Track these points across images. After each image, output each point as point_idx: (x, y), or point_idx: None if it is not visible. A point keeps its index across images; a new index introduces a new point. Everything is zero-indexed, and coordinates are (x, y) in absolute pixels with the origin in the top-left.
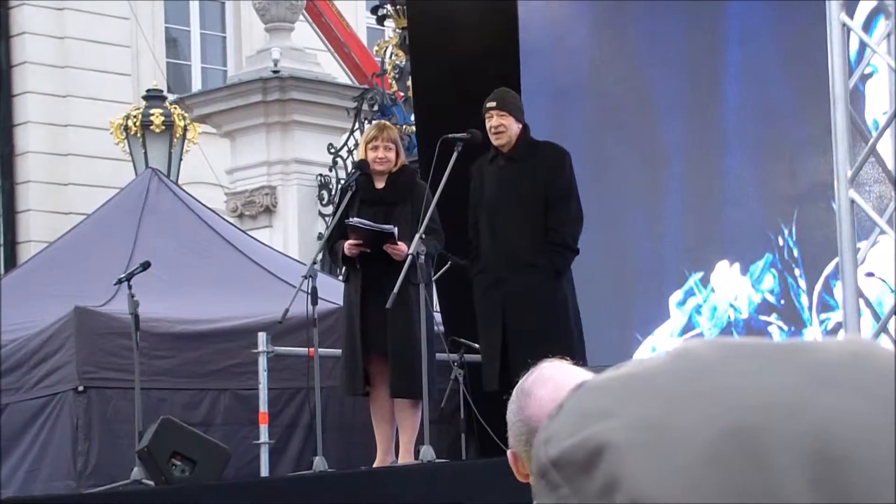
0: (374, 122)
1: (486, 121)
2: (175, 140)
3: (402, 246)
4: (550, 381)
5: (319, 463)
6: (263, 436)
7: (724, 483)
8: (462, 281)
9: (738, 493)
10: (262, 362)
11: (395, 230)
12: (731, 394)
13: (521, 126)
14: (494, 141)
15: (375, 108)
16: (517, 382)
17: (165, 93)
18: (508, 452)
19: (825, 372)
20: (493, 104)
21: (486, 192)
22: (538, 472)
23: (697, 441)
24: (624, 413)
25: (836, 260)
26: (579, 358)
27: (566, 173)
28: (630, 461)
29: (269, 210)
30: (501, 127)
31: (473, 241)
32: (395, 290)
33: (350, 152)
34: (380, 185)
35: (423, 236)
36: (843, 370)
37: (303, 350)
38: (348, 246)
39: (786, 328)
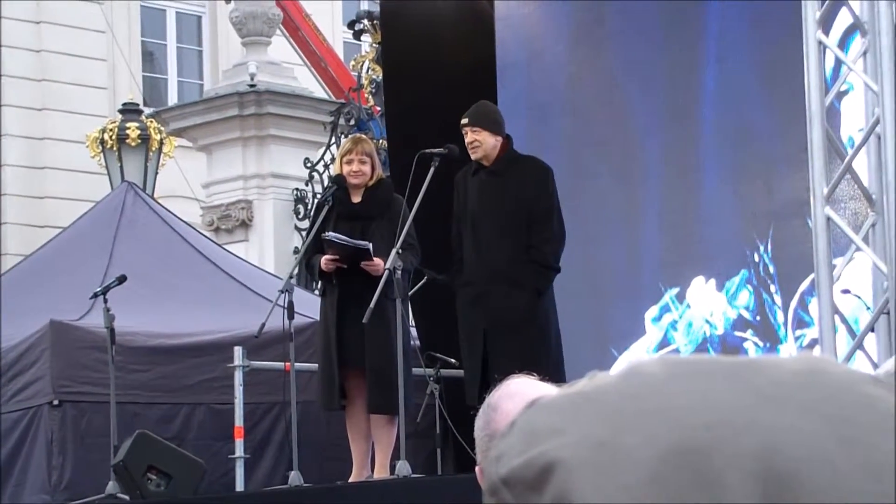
0: (349, 136)
1: (464, 137)
2: (151, 154)
3: (378, 262)
4: (517, 395)
5: (295, 477)
6: (239, 450)
7: (669, 500)
8: (438, 296)
9: None
10: (238, 376)
11: (371, 246)
12: (677, 412)
13: (499, 139)
14: (472, 156)
15: (352, 122)
16: None
17: (141, 106)
18: (476, 468)
19: (774, 390)
20: (466, 120)
21: (468, 205)
22: (489, 489)
23: (643, 459)
24: (573, 431)
25: (811, 276)
26: (558, 376)
27: (549, 190)
28: (579, 479)
29: (245, 224)
30: (476, 142)
31: (456, 253)
32: (372, 305)
33: (326, 167)
34: (356, 199)
35: (400, 251)
36: (792, 388)
37: (279, 364)
38: (325, 261)
39: (761, 344)
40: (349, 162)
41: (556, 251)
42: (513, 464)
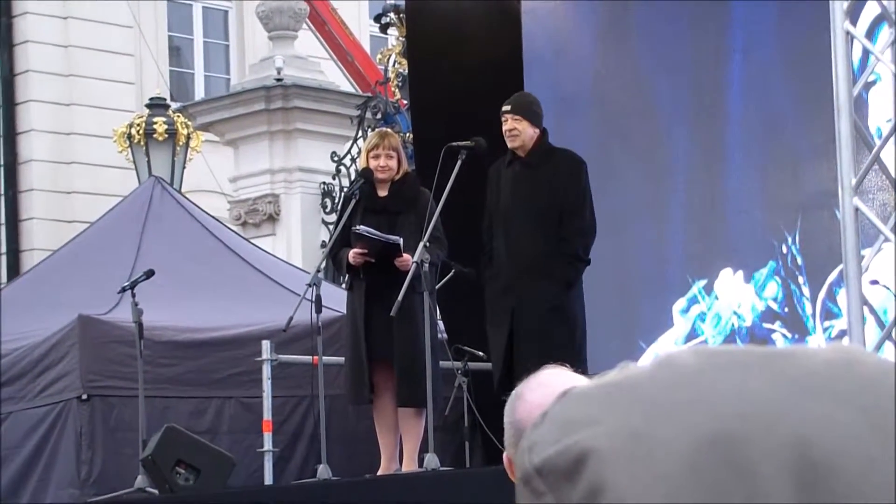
0: (376, 129)
1: (503, 124)
2: (178, 148)
3: (407, 257)
4: (542, 386)
5: (323, 471)
6: (267, 444)
7: (705, 490)
8: (465, 289)
9: (719, 500)
10: (266, 370)
11: (401, 241)
12: (712, 402)
13: (537, 131)
14: (509, 144)
15: (379, 116)
16: None
17: (168, 101)
18: (504, 456)
19: (808, 380)
20: (508, 108)
21: (501, 197)
22: (522, 478)
23: (678, 449)
24: (607, 421)
25: (839, 267)
26: (581, 367)
27: (582, 182)
28: (613, 468)
29: (272, 218)
30: (515, 130)
31: (487, 245)
32: (400, 298)
33: (353, 160)
34: (383, 193)
35: (427, 244)
36: (826, 378)
37: (307, 358)
38: (353, 255)
39: (789, 336)
40: (376, 157)
41: (586, 243)
42: (546, 453)
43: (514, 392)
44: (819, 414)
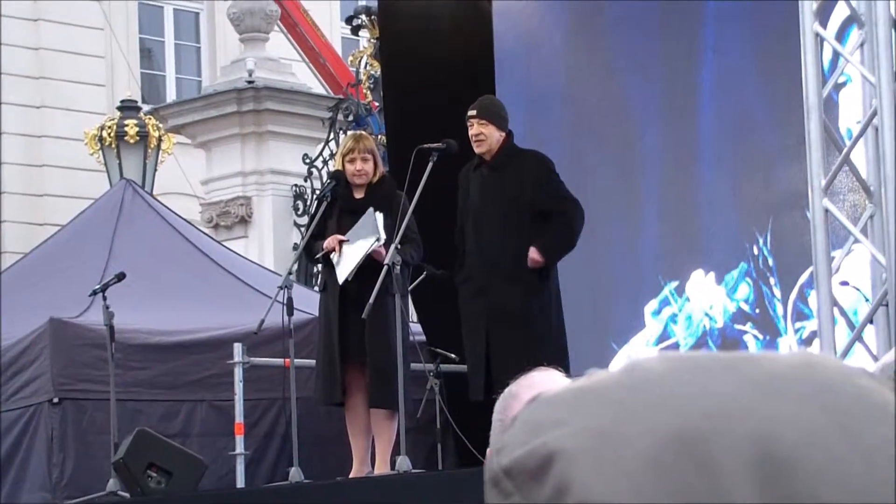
0: (349, 132)
1: (469, 129)
2: (150, 151)
3: (382, 250)
4: (537, 386)
5: (295, 473)
6: (239, 447)
7: (668, 486)
8: (439, 291)
9: (683, 496)
10: (238, 373)
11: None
12: (677, 402)
13: (503, 135)
14: (476, 149)
15: (350, 118)
16: (500, 392)
17: (140, 103)
18: (488, 451)
19: (771, 381)
20: (474, 112)
21: (470, 200)
22: (491, 480)
23: (643, 447)
24: (575, 422)
25: (810, 269)
26: (563, 369)
27: (556, 178)
28: (580, 467)
29: (244, 220)
30: (482, 135)
31: (459, 247)
32: (372, 300)
33: (325, 162)
34: (359, 195)
35: (399, 246)
36: (789, 380)
37: (278, 361)
38: (330, 238)
39: (761, 337)
40: (352, 161)
41: (579, 228)
42: (515, 454)
43: (507, 390)
44: (782, 412)
